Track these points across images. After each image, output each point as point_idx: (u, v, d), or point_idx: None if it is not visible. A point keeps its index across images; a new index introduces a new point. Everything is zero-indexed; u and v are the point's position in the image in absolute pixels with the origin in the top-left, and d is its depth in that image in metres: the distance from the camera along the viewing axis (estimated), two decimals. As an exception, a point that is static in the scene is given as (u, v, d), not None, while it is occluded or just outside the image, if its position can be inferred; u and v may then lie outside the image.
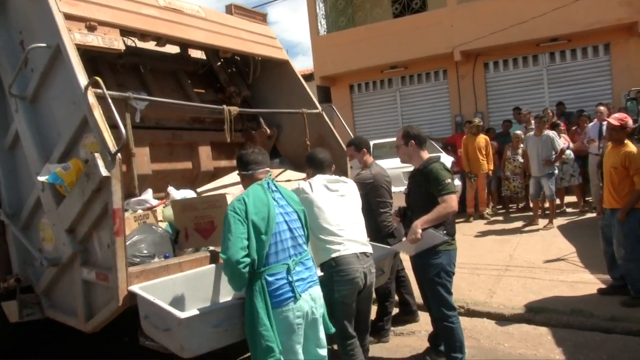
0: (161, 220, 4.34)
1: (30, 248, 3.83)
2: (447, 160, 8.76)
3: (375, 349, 4.38)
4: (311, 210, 3.41)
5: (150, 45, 4.94)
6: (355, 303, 3.47)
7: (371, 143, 9.18)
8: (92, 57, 4.63)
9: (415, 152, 3.71)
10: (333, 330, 3.09)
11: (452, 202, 3.49)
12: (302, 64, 44.60)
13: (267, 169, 3.15)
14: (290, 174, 5.21)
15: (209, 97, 5.51)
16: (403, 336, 4.71)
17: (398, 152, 3.85)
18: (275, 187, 3.05)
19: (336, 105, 13.40)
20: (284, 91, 5.54)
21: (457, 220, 9.07)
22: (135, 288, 3.12)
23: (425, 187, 3.59)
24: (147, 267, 3.34)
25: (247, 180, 3.10)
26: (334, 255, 3.39)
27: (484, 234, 8.19)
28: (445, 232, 3.56)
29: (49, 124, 3.75)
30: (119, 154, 3.13)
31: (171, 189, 4.68)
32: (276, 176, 5.20)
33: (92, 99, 3.25)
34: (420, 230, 3.47)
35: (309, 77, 13.53)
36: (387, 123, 12.61)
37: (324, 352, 3.02)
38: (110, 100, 3.18)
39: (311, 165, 3.73)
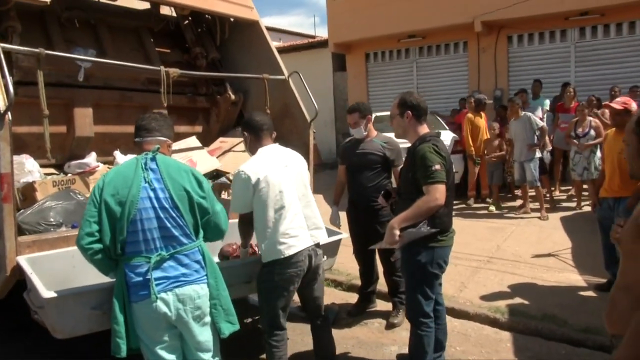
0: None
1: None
2: (448, 136, 8.20)
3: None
4: (262, 196, 2.98)
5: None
6: (295, 289, 3.16)
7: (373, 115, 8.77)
8: (41, 12, 4.38)
9: (411, 125, 3.09)
10: (227, 333, 2.68)
11: (436, 194, 2.84)
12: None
13: (160, 139, 2.66)
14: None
15: (173, 57, 5.17)
16: (352, 327, 4.39)
17: (392, 123, 3.23)
18: (157, 164, 2.53)
19: (350, 74, 13.10)
20: (254, 55, 5.13)
21: (454, 203, 8.69)
22: (21, 259, 2.91)
23: (413, 170, 3.01)
24: (42, 236, 3.11)
25: (137, 150, 2.70)
26: (288, 253, 3.00)
27: (479, 219, 7.67)
28: (429, 227, 2.93)
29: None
30: (9, 114, 2.86)
31: (117, 153, 4.44)
32: (236, 145, 4.89)
33: None
34: (397, 232, 2.91)
35: (324, 44, 13.02)
36: (401, 96, 11.99)
37: (206, 355, 2.65)
38: (1, 56, 2.89)
39: (248, 130, 3.21)
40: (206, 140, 5.03)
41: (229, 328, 2.69)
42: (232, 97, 5.13)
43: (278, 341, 3.15)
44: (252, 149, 3.23)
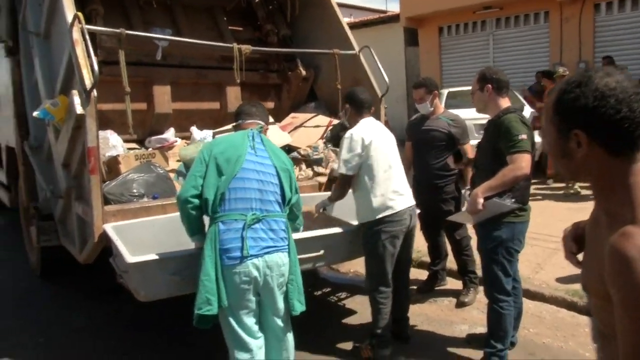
0: (179, 160, 4.32)
1: (40, 179, 4.00)
2: (526, 112, 7.83)
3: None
4: (373, 158, 3.26)
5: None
6: (399, 247, 3.34)
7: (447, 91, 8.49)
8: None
9: (491, 99, 3.08)
10: (298, 311, 2.79)
11: (522, 162, 2.84)
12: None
13: (259, 122, 2.91)
14: (321, 119, 4.90)
15: (246, 35, 5.27)
16: (421, 303, 4.34)
17: (473, 98, 3.26)
18: (262, 139, 2.79)
19: (423, 49, 12.74)
20: (324, 30, 5.11)
21: (533, 181, 8.29)
22: (107, 226, 3.12)
23: (495, 141, 3.00)
24: (125, 206, 3.31)
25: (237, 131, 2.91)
26: (394, 211, 3.25)
27: (558, 199, 7.29)
28: (513, 200, 2.93)
29: (59, 60, 3.78)
30: (94, 91, 3.05)
31: (193, 129, 4.64)
32: (307, 121, 4.94)
33: (76, 35, 3.17)
34: (481, 200, 2.89)
35: (395, 19, 12.72)
36: (476, 70, 11.38)
37: (281, 322, 2.76)
38: (87, 36, 3.07)
39: (351, 104, 3.51)
40: (278, 116, 5.12)
41: (299, 307, 2.78)
42: (303, 73, 5.16)
43: (384, 298, 3.33)
44: (351, 120, 3.53)
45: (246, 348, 2.64)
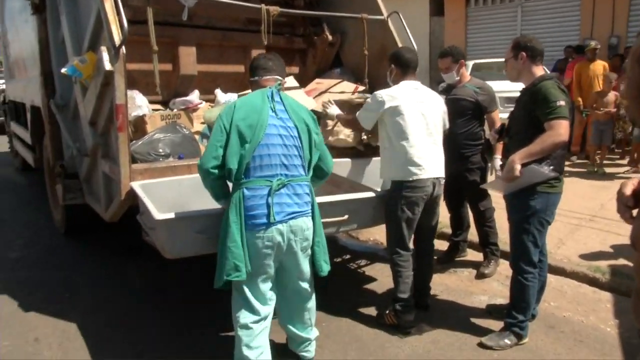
0: (203, 122, 4.31)
1: (67, 137, 4.02)
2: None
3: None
4: (393, 123, 3.25)
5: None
6: (419, 213, 3.32)
7: (472, 62, 8.32)
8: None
9: (525, 67, 3.01)
10: (326, 271, 2.79)
11: (560, 129, 2.78)
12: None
13: (278, 77, 2.80)
14: (346, 85, 4.83)
15: (272, -3, 5.17)
16: (441, 274, 4.34)
17: (506, 67, 3.19)
18: (281, 98, 2.67)
19: (449, 19, 12.44)
20: (353, -6, 5.00)
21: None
22: (135, 184, 3.14)
23: (530, 109, 2.92)
24: (152, 165, 3.32)
25: (254, 88, 2.81)
26: (411, 178, 3.23)
27: (581, 176, 7.18)
28: (551, 167, 2.87)
29: (87, 17, 3.75)
30: (123, 48, 3.03)
31: (218, 92, 4.61)
32: (332, 87, 4.88)
33: None
34: (519, 167, 2.84)
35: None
36: (502, 43, 11.17)
37: (305, 285, 2.78)
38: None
39: (396, 64, 3.44)
40: (302, 81, 5.05)
41: (326, 267, 2.80)
42: (330, 37, 5.06)
43: (404, 261, 3.35)
44: (395, 81, 3.46)
45: (254, 312, 2.63)
